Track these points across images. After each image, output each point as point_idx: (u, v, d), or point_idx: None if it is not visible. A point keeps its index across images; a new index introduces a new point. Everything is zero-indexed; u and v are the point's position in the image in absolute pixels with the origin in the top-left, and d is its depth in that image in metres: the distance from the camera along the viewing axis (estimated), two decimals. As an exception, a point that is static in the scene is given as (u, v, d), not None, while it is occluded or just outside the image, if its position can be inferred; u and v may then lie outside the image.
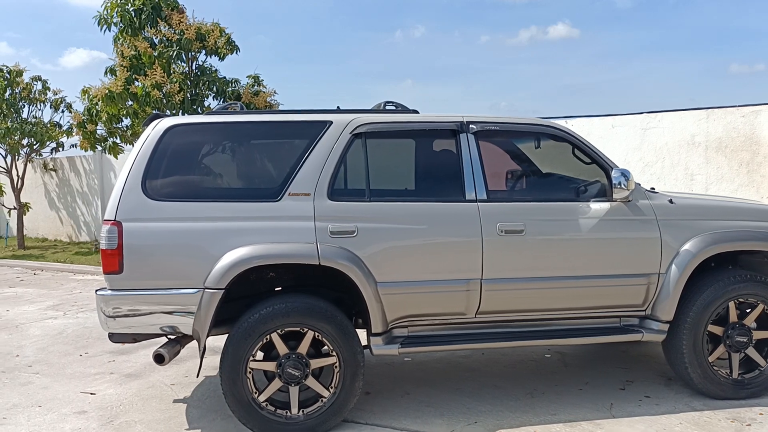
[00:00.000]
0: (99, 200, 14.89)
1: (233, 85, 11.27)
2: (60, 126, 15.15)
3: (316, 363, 4.10)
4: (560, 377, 5.04)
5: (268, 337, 4.02)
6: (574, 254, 4.30)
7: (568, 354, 5.62)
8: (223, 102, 10.89)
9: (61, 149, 15.42)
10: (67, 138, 14.67)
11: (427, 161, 4.47)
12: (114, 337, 4.27)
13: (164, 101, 10.33)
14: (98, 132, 11.41)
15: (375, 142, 4.30)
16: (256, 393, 4.05)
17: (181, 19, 10.62)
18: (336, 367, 4.09)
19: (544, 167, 4.96)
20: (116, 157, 11.78)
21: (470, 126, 4.35)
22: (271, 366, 4.08)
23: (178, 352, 4.24)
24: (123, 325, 4.01)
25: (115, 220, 3.96)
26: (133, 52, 10.53)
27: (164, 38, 10.53)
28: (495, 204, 4.26)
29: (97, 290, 4.06)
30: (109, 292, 3.98)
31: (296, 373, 4.04)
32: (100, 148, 11.46)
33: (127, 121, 11.24)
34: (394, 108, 4.50)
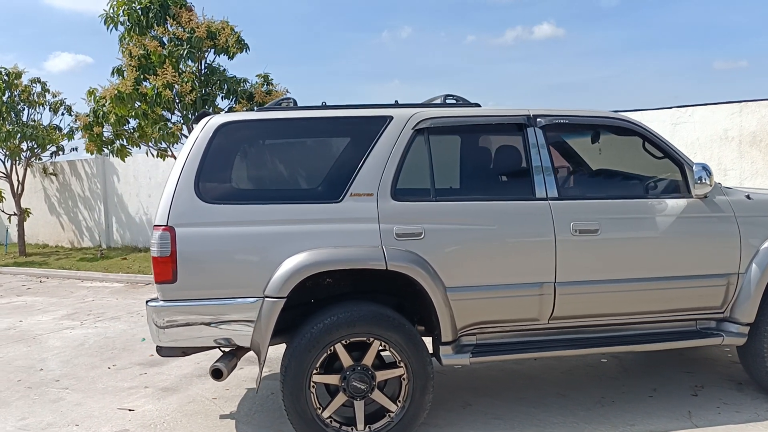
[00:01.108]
0: (102, 204, 14.52)
1: (243, 85, 10.98)
2: (60, 129, 14.80)
3: (382, 375, 3.83)
4: (624, 383, 4.79)
5: (332, 348, 3.74)
6: (651, 254, 4.05)
7: (624, 358, 5.37)
8: (235, 102, 10.58)
9: (61, 153, 15.07)
10: (68, 141, 14.32)
11: (493, 157, 4.21)
12: (163, 351, 3.99)
13: (176, 101, 10.01)
14: (104, 134, 11.06)
15: (438, 137, 4.04)
16: (319, 409, 3.77)
17: (191, 17, 10.31)
18: (404, 379, 3.82)
19: (595, 163, 4.73)
20: (123, 160, 11.44)
21: (537, 119, 4.09)
22: (334, 379, 3.80)
23: (235, 365, 3.95)
24: (176, 337, 3.72)
25: (167, 225, 3.66)
26: (141, 52, 10.19)
27: (174, 37, 10.20)
28: (567, 202, 4.00)
29: (147, 301, 3.77)
30: (162, 303, 3.69)
31: (362, 387, 3.77)
32: (107, 150, 11.11)
33: (133, 123, 10.91)
34: (454, 101, 4.23)
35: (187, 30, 10.14)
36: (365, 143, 3.92)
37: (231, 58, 10.79)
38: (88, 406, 4.80)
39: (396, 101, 4.18)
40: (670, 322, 4.20)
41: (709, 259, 4.12)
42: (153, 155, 11.61)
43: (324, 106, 4.08)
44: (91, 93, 10.82)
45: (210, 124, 3.83)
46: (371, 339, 3.77)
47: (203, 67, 10.74)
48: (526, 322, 4.00)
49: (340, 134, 4.03)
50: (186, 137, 10.62)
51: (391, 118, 3.96)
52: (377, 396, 3.82)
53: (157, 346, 3.99)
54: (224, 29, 10.35)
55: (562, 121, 4.12)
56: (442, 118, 4.00)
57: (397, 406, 3.83)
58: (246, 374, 5.36)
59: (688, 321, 4.23)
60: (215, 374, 3.76)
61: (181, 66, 10.34)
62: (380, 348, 3.81)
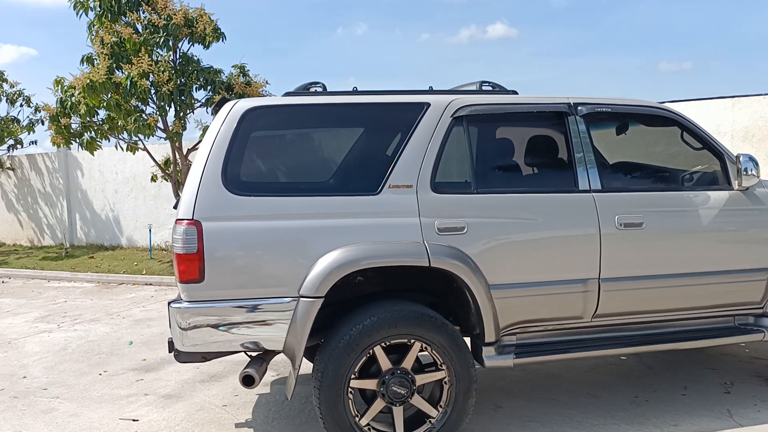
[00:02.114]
0: (65, 201, 13.84)
1: (219, 75, 10.52)
2: (18, 121, 14.05)
3: (422, 379, 3.58)
4: (653, 382, 4.66)
5: (371, 351, 3.48)
6: (693, 249, 3.92)
7: (644, 355, 5.24)
8: (212, 93, 10.15)
9: (19, 146, 14.32)
10: (29, 134, 13.60)
11: (533, 147, 4.01)
12: (182, 356, 3.66)
13: (152, 91, 9.53)
14: (72, 126, 10.47)
15: (476, 126, 3.81)
16: (357, 416, 3.51)
17: (167, 3, 9.82)
18: (446, 382, 3.59)
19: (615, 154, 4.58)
20: (92, 154, 10.87)
21: (579, 108, 3.90)
22: (372, 384, 3.54)
23: (265, 371, 3.64)
24: (201, 341, 3.40)
25: (192, 219, 3.34)
26: (114, 39, 9.67)
27: (149, 23, 9.71)
28: (611, 194, 3.83)
29: (170, 302, 3.44)
30: (186, 304, 3.36)
31: (402, 391, 3.52)
32: (75, 143, 10.53)
33: (102, 115, 10.36)
34: (491, 88, 4.01)
35: (163, 17, 9.66)
36: (402, 132, 3.66)
37: (207, 47, 10.33)
38: (86, 417, 4.41)
39: (431, 87, 3.93)
40: (709, 318, 4.07)
41: (750, 252, 4.01)
42: (122, 149, 11.08)
43: (355, 92, 3.80)
44: (58, 82, 10.23)
45: (235, 109, 3.51)
46: (412, 341, 3.52)
47: (178, 57, 10.26)
48: (570, 321, 3.81)
49: (375, 122, 3.75)
50: (161, 129, 10.21)
51: (429, 105, 3.71)
52: (417, 401, 3.58)
53: (176, 351, 3.66)
54: (202, 17, 9.90)
55: (604, 109, 3.94)
56: (481, 106, 3.77)
57: (438, 411, 3.60)
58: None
59: (726, 317, 4.11)
60: (246, 381, 3.45)
61: (154, 55, 9.86)
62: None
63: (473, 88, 4.02)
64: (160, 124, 10.04)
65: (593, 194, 3.79)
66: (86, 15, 10.05)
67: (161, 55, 10.05)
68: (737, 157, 3.97)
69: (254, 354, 3.67)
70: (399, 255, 3.47)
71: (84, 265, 11.46)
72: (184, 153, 10.71)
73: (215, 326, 3.38)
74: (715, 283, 3.95)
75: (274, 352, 3.64)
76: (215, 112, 3.63)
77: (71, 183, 13.78)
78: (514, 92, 4.01)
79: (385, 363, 3.52)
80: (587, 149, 3.85)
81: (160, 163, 11.24)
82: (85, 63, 10.10)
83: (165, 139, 10.39)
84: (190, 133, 10.75)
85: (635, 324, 3.95)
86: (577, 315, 3.78)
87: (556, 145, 3.92)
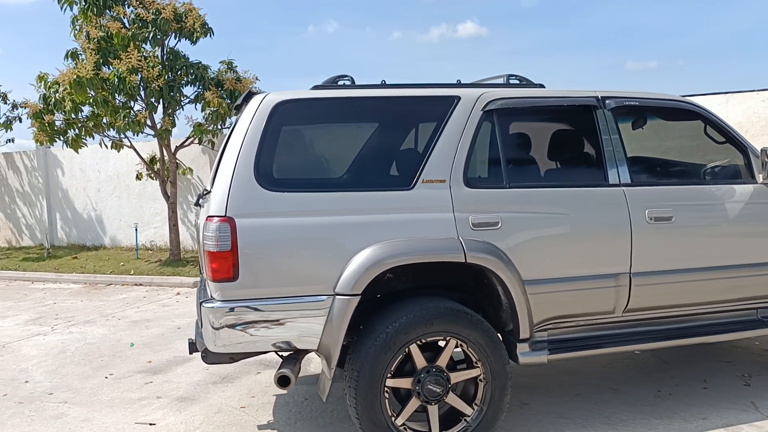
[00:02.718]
0: (44, 200, 13.49)
1: (207, 71, 10.32)
2: (-6, 119, 13.64)
3: (456, 377, 3.53)
4: (672, 376, 4.67)
5: (407, 349, 3.41)
6: (722, 242, 3.93)
7: (659, 350, 5.23)
8: (201, 89, 9.96)
9: (-4, 144, 13.92)
10: (6, 131, 13.21)
11: (563, 141, 3.97)
12: (210, 357, 3.57)
13: (142, 87, 9.32)
14: (56, 124, 10.19)
15: (507, 119, 3.76)
16: (393, 416, 3.44)
17: (155, -2, 9.60)
18: (481, 380, 3.54)
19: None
20: (77, 152, 10.58)
21: (606, 101, 3.88)
22: (406, 383, 3.47)
23: (299, 371, 3.55)
24: (233, 341, 3.30)
25: (225, 215, 3.23)
26: (101, 33, 9.43)
27: (137, 18, 9.49)
28: (641, 188, 3.81)
29: (202, 302, 3.32)
30: (220, 303, 3.25)
31: (438, 390, 3.46)
32: (60, 141, 10.25)
33: (86, 111, 10.10)
34: (518, 82, 3.97)
35: (151, 11, 9.44)
36: (434, 125, 3.60)
37: (194, 42, 10.13)
38: (99, 422, 4.27)
39: (458, 81, 3.88)
40: (733, 311, 4.08)
41: None
42: (107, 146, 10.82)
43: (384, 85, 3.72)
44: (41, 78, 9.94)
45: (266, 102, 3.41)
46: (448, 338, 3.46)
47: (165, 52, 10.04)
48: (601, 316, 3.78)
49: (407, 115, 3.68)
50: (150, 127, 9.99)
51: (459, 98, 3.65)
52: (452, 399, 3.52)
53: (204, 352, 3.56)
54: (191, 12, 9.71)
55: (631, 103, 3.92)
56: (511, 99, 3.72)
57: (473, 409, 3.55)
58: (267, 379, 4.93)
59: (750, 310, 4.13)
60: (282, 382, 3.36)
61: (142, 50, 9.64)
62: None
63: (500, 81, 3.97)
64: (149, 121, 9.82)
65: (623, 188, 3.77)
66: (71, 9, 9.78)
67: (148, 51, 9.84)
68: (762, 150, 3.98)
69: (286, 354, 3.58)
70: (436, 251, 3.41)
71: (68, 265, 11.18)
72: (172, 150, 10.50)
73: (249, 326, 3.28)
74: (740, 276, 3.96)
75: (305, 352, 3.55)
76: (237, 108, 3.53)
77: (51, 182, 13.44)
78: (541, 85, 3.97)
79: (420, 361, 3.46)
80: (616, 143, 3.82)
81: (143, 161, 11.02)
82: (69, 58, 9.83)
83: (153, 136, 10.17)
84: (179, 130, 10.53)
85: (663, 318, 3.94)
86: (609, 310, 3.76)
87: (586, 139, 3.89)
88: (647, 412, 4.04)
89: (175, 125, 9.91)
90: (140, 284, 9.53)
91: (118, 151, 11.01)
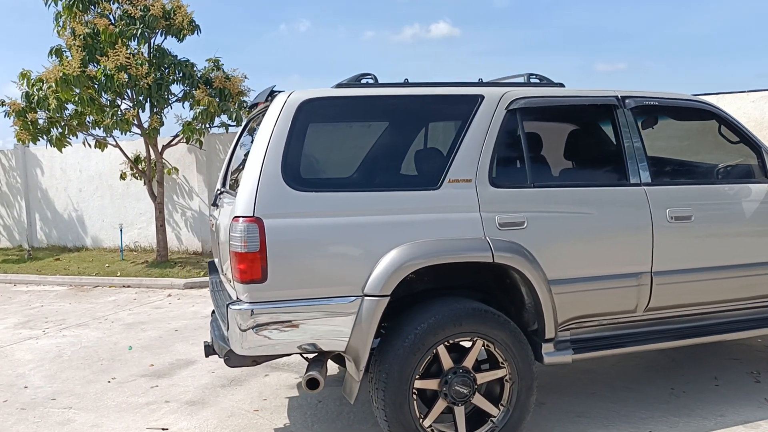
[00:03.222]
0: (23, 201, 13.17)
1: (193, 69, 10.15)
2: (-30, 117, 13.27)
3: (482, 377, 3.51)
4: (682, 373, 4.71)
5: (435, 350, 3.38)
6: (738, 240, 3.97)
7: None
8: (190, 87, 9.80)
9: (-29, 143, 13.53)
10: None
11: (585, 140, 3.98)
12: (233, 360, 3.49)
13: (130, 85, 9.14)
14: (39, 122, 9.94)
15: (530, 118, 3.75)
16: (421, 418, 3.40)
17: (143, -6, 9.42)
18: (508, 380, 3.52)
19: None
20: (61, 151, 10.33)
21: (626, 101, 3.89)
22: (433, 384, 3.44)
23: (326, 373, 3.50)
24: (260, 344, 3.23)
25: (253, 216, 3.16)
26: (87, 30, 9.23)
27: (124, 14, 9.31)
28: (661, 188, 3.83)
29: (229, 304, 3.25)
30: (247, 305, 3.18)
31: (465, 391, 3.44)
32: (43, 140, 10.00)
33: (70, 110, 9.87)
34: (538, 81, 3.96)
35: (139, 7, 9.27)
36: (459, 124, 3.57)
37: (181, 40, 9.97)
38: (109, 428, 4.16)
39: (480, 79, 3.86)
40: (750, 309, 4.12)
41: None
42: (90, 145, 10.59)
43: (406, 84, 3.68)
44: (24, 75, 9.70)
45: (291, 100, 3.35)
46: (475, 338, 3.44)
47: (152, 49, 9.87)
48: (623, 315, 3.79)
49: (432, 114, 3.66)
50: (136, 126, 9.81)
51: (483, 97, 3.63)
52: (478, 400, 3.50)
53: (226, 355, 3.48)
54: (180, 8, 9.56)
55: (650, 102, 3.94)
56: (534, 98, 3.71)
57: (500, 409, 3.53)
58: (277, 382, 4.86)
59: (764, 307, 4.17)
60: (311, 384, 3.30)
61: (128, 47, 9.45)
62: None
63: (520, 80, 3.96)
64: (136, 120, 9.64)
65: (644, 188, 3.78)
66: (55, 5, 9.56)
67: (133, 48, 9.65)
68: None
69: (311, 356, 3.52)
70: (465, 251, 3.39)
71: (50, 267, 10.92)
72: (159, 150, 10.32)
73: (276, 328, 3.22)
74: (757, 274, 4.00)
75: (330, 354, 3.50)
76: (251, 108, 3.45)
77: (30, 181, 13.12)
78: (561, 85, 3.97)
79: (447, 362, 3.43)
80: (636, 142, 3.84)
81: (128, 160, 10.82)
82: (53, 55, 9.60)
83: (140, 135, 9.99)
84: (164, 129, 10.32)
85: (681, 317, 3.97)
86: (631, 309, 3.77)
87: (608, 139, 3.90)
88: (664, 410, 4.07)
89: (163, 124, 9.75)
90: (128, 286, 9.35)
91: (102, 151, 10.78)
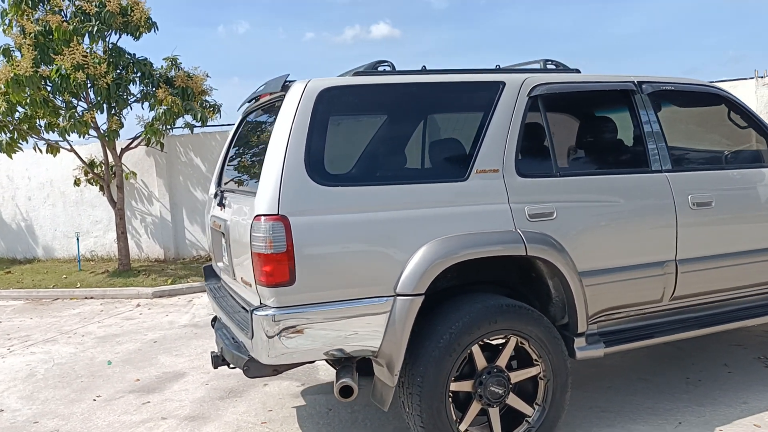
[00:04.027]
0: (-34, 211, 12.38)
1: (150, 67, 9.69)
2: None
3: (516, 376, 3.36)
4: (693, 362, 4.67)
5: (469, 350, 3.21)
6: (757, 225, 3.94)
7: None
8: (149, 88, 9.37)
9: None
10: None
11: (606, 127, 3.88)
12: (254, 370, 3.25)
13: (88, 85, 8.65)
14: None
15: (551, 105, 3.62)
16: (457, 421, 3.23)
17: (97, -10, 8.95)
18: (542, 378, 3.38)
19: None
20: (11, 157, 9.71)
21: (643, 86, 3.81)
22: (467, 386, 3.27)
23: (357, 379, 3.27)
24: (288, 351, 3.00)
25: (278, 214, 2.92)
26: (38, 28, 8.70)
27: (79, 11, 8.81)
28: (682, 174, 3.77)
29: (253, 310, 2.99)
30: (274, 310, 2.94)
31: (500, 391, 3.28)
32: (-9, 145, 9.38)
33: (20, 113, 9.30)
34: (554, 67, 3.83)
35: (95, 3, 8.79)
36: (483, 112, 3.41)
37: (137, 38, 9.54)
38: (106, 450, 3.84)
39: (498, 66, 3.71)
40: (765, 294, 4.10)
41: None
42: (41, 150, 10.00)
43: (424, 71, 3.50)
44: (-31, 77, 9.07)
45: (309, 89, 3.12)
46: (509, 336, 3.29)
47: (107, 48, 9.38)
48: (650, 305, 3.71)
49: (456, 102, 3.48)
50: (93, 128, 9.29)
51: (504, 84, 3.48)
52: (513, 400, 3.35)
53: (247, 365, 3.23)
54: (138, 4, 9.12)
55: (667, 87, 3.87)
56: (556, 84, 3.58)
57: (534, 409, 3.39)
58: (278, 391, 4.61)
59: None
60: (345, 392, 3.08)
61: (82, 45, 8.96)
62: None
63: (536, 66, 3.83)
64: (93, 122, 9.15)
65: (666, 174, 3.71)
66: (1, 2, 8.99)
67: (86, 47, 9.16)
68: None
69: (339, 363, 3.29)
70: (499, 244, 3.23)
71: (1, 281, 10.28)
72: (118, 153, 9.83)
73: (305, 333, 2.99)
74: None
75: (357, 359, 3.28)
76: (250, 100, 3.21)
77: (-27, 190, 12.35)
78: (577, 70, 3.86)
79: (481, 362, 3.27)
80: (656, 128, 3.76)
81: (84, 165, 10.29)
82: (1, 55, 9.02)
83: (97, 138, 9.50)
84: (124, 131, 9.81)
85: (703, 305, 3.91)
86: (657, 299, 3.69)
87: (628, 125, 3.81)
88: (687, 400, 4.01)
89: (123, 126, 9.28)
90: (91, 297, 8.86)
91: (54, 156, 10.19)
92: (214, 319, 4.21)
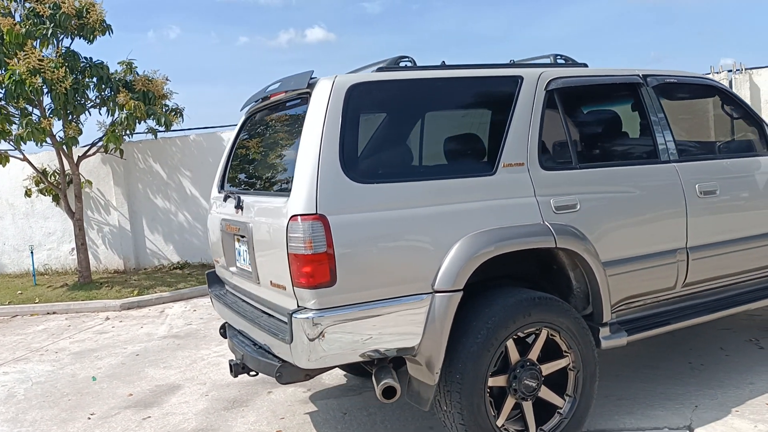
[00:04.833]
0: None
1: (107, 71, 9.33)
2: None
3: (547, 368, 3.37)
4: (690, 347, 4.80)
5: (505, 344, 3.20)
6: (757, 211, 4.08)
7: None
8: (108, 92, 9.03)
9: None
10: None
11: (616, 119, 3.94)
12: (287, 376, 3.14)
13: (45, 90, 8.26)
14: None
15: (566, 98, 3.65)
16: (495, 417, 3.21)
17: (50, -9, 8.56)
18: (571, 368, 3.40)
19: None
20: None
21: (648, 79, 3.90)
22: (501, 380, 3.26)
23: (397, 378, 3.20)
24: (328, 353, 2.91)
25: (317, 213, 2.84)
26: (-13, 31, 8.26)
27: (32, 13, 8.41)
28: (688, 164, 3.87)
29: (292, 313, 2.89)
30: (315, 312, 2.85)
31: (533, 384, 3.29)
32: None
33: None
34: (563, 61, 3.87)
35: (48, 5, 8.41)
36: (505, 106, 3.41)
37: (91, 41, 9.17)
38: (116, 469, 3.65)
39: (512, 60, 3.72)
40: (765, 278, 4.25)
41: None
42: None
43: (444, 66, 3.47)
44: None
45: (338, 85, 3.04)
46: (541, 328, 3.29)
47: (60, 51, 8.98)
48: (664, 293, 3.79)
49: (480, 96, 3.47)
50: (49, 136, 8.87)
51: (522, 78, 3.49)
52: (544, 393, 3.35)
53: (279, 371, 3.12)
54: (93, 6, 8.77)
55: (670, 80, 3.97)
56: (570, 78, 3.62)
57: (565, 400, 3.40)
58: (284, 398, 4.49)
59: None
60: (388, 393, 3.02)
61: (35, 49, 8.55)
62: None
63: (546, 60, 3.86)
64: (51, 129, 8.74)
65: (674, 164, 3.80)
66: (-55, 4, 8.49)
67: (35, 51, 8.74)
68: None
69: (372, 364, 3.21)
70: (530, 236, 3.24)
71: (-51, 299, 9.69)
72: (75, 161, 9.43)
73: (345, 335, 2.92)
74: None
75: (390, 359, 3.22)
76: (305, 87, 3.12)
77: None
78: (585, 65, 3.91)
79: (514, 355, 3.26)
80: (662, 119, 3.85)
81: (36, 174, 9.84)
82: (-54, 61, 8.51)
83: (52, 145, 9.08)
84: (81, 138, 9.32)
85: (709, 290, 4.02)
86: (671, 286, 3.78)
87: (637, 117, 3.88)
88: (696, 384, 4.11)
89: (81, 132, 8.90)
90: (54, 312, 8.46)
91: (4, 166, 9.69)
92: (223, 327, 4.07)
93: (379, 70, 3.30)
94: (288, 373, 3.13)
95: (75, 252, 10.69)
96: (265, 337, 3.23)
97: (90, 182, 10.38)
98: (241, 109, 4.05)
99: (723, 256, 3.94)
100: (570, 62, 3.87)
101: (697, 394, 3.96)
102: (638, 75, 3.86)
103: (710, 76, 6.86)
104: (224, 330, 4.05)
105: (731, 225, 3.97)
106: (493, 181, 3.25)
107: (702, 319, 3.91)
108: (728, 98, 4.27)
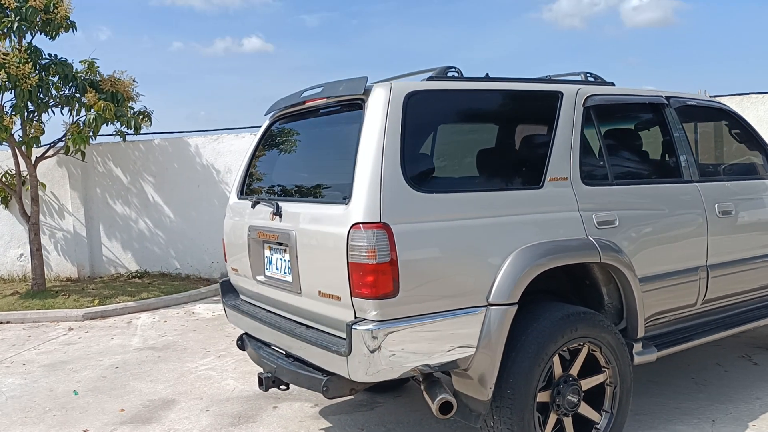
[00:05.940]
0: None
1: (72, 69, 8.89)
2: None
3: (587, 383, 3.37)
4: (687, 362, 4.92)
5: (552, 359, 3.19)
6: (764, 232, 4.25)
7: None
8: (74, 90, 8.61)
9: None
10: None
11: (644, 138, 4.02)
12: (333, 390, 3.05)
13: (9, 87, 7.80)
14: None
15: (601, 115, 3.71)
16: (541, 432, 3.19)
17: (16, -18, 8.11)
18: (609, 384, 3.42)
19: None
20: None
21: (670, 100, 4.01)
22: (545, 396, 3.24)
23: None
24: (387, 366, 2.84)
25: (381, 222, 2.76)
26: (-55, 22, 7.75)
27: (-4, 5, 7.95)
28: (709, 184, 4.00)
29: (351, 324, 2.79)
30: (377, 323, 2.76)
31: (575, 399, 3.30)
32: None
33: None
34: (593, 80, 3.93)
35: (15, -3, 7.96)
36: (548, 120, 3.43)
37: (53, 38, 8.75)
38: (130, 490, 3.42)
39: (548, 76, 3.75)
40: None
41: None
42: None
43: (488, 78, 3.46)
44: None
45: (396, 92, 2.98)
46: (583, 343, 3.30)
47: (25, 47, 8.51)
48: (686, 309, 3.88)
49: (527, 110, 3.48)
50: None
51: (562, 93, 3.52)
52: (583, 408, 3.36)
53: (326, 385, 3.02)
54: (61, 2, 8.37)
55: (690, 103, 4.10)
56: (605, 96, 3.69)
57: (602, 416, 3.42)
58: (291, 413, 4.34)
59: None
60: (445, 409, 2.95)
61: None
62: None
63: (578, 78, 3.91)
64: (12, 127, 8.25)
65: (696, 184, 3.91)
66: None
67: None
68: None
69: (423, 380, 3.13)
70: (578, 251, 3.26)
71: None
72: (33, 162, 8.93)
73: (403, 348, 2.84)
74: None
75: (436, 374, 3.15)
76: (355, 92, 3.04)
77: None
78: (612, 83, 3.98)
79: (558, 371, 3.26)
80: (684, 140, 3.96)
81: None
82: None
83: (8, 145, 8.58)
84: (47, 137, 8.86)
85: (722, 307, 4.15)
86: (693, 302, 3.87)
87: (662, 137, 3.98)
88: (706, 399, 4.21)
89: (44, 132, 8.46)
90: (8, 322, 7.93)
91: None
92: (240, 338, 3.90)
93: (430, 79, 3.25)
94: (335, 387, 3.03)
95: (23, 258, 10.16)
96: (309, 349, 3.11)
97: (44, 185, 9.84)
98: (266, 114, 3.92)
99: (736, 275, 4.07)
100: (600, 80, 3.93)
101: (710, 409, 4.05)
102: (662, 96, 3.96)
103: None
104: (242, 341, 3.88)
105: (743, 245, 4.12)
106: (540, 195, 3.25)
107: (720, 335, 4.03)
108: (741, 123, 4.44)
